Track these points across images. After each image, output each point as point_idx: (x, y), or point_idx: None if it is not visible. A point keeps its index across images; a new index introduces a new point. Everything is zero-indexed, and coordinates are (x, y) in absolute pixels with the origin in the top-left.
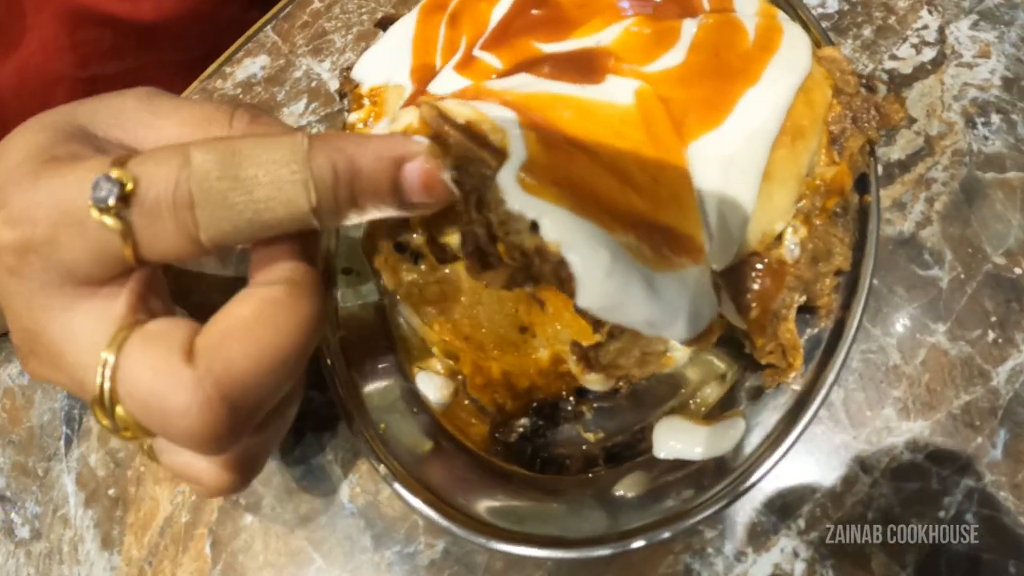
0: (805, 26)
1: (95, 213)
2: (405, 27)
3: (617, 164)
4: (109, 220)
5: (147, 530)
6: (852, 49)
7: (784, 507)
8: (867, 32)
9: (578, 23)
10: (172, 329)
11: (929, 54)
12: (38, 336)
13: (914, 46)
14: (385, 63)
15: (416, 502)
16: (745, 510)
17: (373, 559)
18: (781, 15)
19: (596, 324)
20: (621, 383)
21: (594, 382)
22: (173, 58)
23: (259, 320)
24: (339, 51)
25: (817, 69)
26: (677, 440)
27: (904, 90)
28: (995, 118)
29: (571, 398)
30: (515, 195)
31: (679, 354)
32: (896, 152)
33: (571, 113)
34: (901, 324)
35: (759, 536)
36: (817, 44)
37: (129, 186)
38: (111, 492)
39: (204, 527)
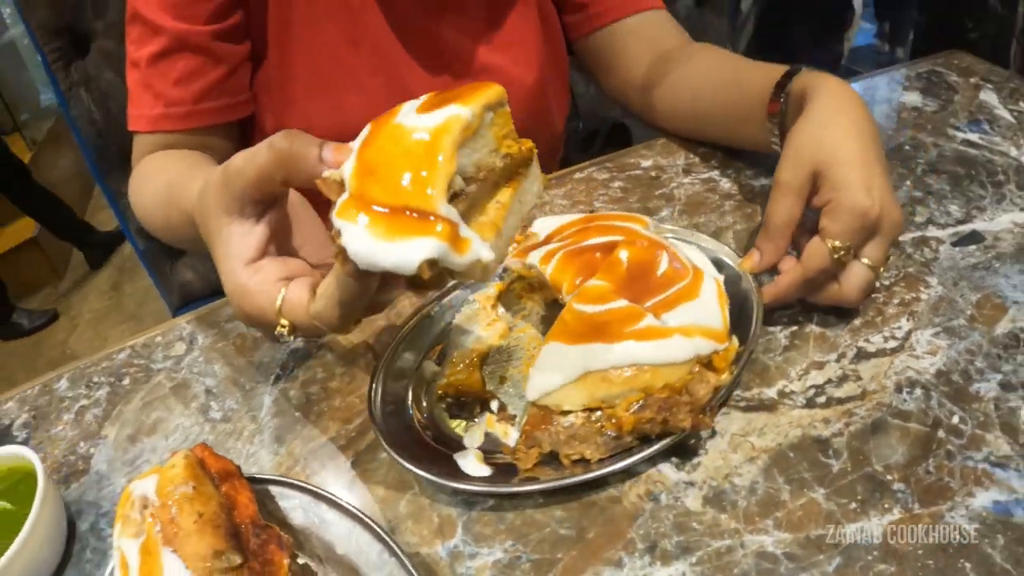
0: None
1: None
2: None
3: (384, 172)
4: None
5: (310, 443)
6: (840, 331)
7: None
8: (857, 322)
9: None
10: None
11: (892, 344)
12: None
13: (885, 338)
14: None
15: None
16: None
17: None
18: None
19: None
20: None
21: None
22: None
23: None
24: None
25: (674, 371)
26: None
27: (863, 361)
28: (918, 391)
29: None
30: (334, 215)
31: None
32: (839, 393)
33: (382, 144)
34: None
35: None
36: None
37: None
38: (296, 414)
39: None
